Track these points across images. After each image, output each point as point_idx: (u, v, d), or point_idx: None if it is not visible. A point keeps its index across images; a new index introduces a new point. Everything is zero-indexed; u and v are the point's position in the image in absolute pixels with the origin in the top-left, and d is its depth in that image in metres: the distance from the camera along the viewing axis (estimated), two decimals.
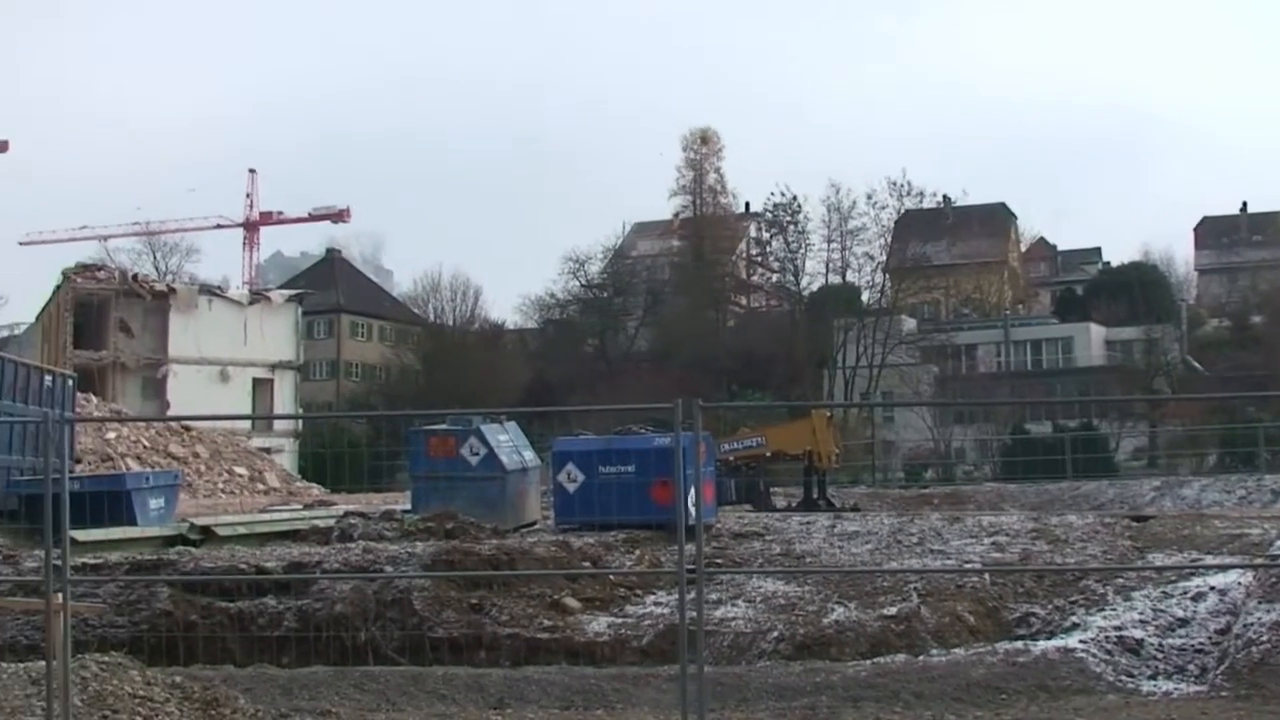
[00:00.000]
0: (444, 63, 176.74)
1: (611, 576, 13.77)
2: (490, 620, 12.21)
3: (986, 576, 13.31)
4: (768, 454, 27.18)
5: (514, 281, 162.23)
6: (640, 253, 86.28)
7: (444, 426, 20.30)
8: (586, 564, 14.62)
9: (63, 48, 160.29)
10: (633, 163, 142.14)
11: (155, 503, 21.13)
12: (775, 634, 11.99)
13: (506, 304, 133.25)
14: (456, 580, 12.48)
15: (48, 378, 26.65)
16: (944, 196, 76.40)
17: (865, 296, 73.52)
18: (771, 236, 77.38)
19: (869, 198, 69.70)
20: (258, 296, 68.40)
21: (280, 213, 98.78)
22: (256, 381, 64.43)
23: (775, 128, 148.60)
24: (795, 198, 72.10)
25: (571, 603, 12.83)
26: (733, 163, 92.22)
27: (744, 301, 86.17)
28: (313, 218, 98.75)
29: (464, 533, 16.05)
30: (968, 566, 14.15)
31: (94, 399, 45.17)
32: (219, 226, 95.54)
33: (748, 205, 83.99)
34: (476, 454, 19.62)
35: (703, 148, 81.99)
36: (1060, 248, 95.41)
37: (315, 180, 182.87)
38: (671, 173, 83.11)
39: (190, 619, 11.71)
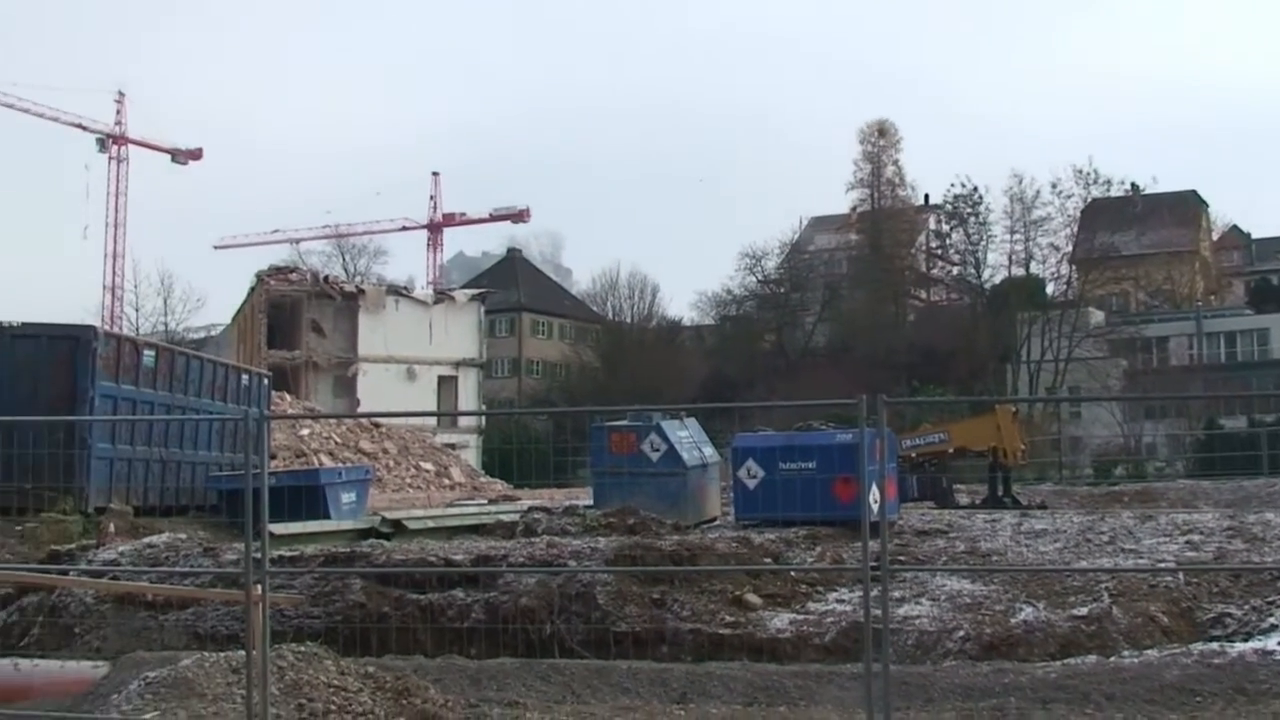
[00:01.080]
0: (621, 60, 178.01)
1: (793, 573, 13.68)
2: (672, 615, 12.23)
3: (1180, 576, 12.86)
4: (951, 450, 26.71)
5: (691, 278, 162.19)
6: (817, 247, 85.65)
7: (625, 423, 20.43)
8: (768, 560, 14.55)
9: (254, 58, 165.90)
10: (809, 157, 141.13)
11: (347, 497, 21.75)
12: (961, 633, 11.77)
13: (683, 301, 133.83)
14: (638, 575, 12.54)
15: (245, 377, 27.69)
16: (1132, 184, 73.75)
17: (1050, 288, 71.84)
18: (952, 229, 76.02)
19: (1053, 187, 68.16)
20: (442, 296, 69.80)
21: (463, 214, 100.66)
22: (441, 379, 65.75)
23: (954, 118, 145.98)
24: (976, 188, 70.87)
25: (753, 599, 12.79)
26: (911, 155, 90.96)
27: (924, 295, 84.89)
28: (494, 218, 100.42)
29: (645, 528, 16.12)
30: (1161, 566, 13.70)
31: (288, 397, 46.70)
32: (404, 228, 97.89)
33: (927, 197, 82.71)
34: (657, 450, 19.72)
35: (880, 140, 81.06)
36: (1254, 235, 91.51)
37: (496, 181, 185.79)
38: (848, 166, 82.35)
39: (382, 610, 11.98)
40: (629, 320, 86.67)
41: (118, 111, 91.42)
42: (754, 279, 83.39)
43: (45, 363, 20.86)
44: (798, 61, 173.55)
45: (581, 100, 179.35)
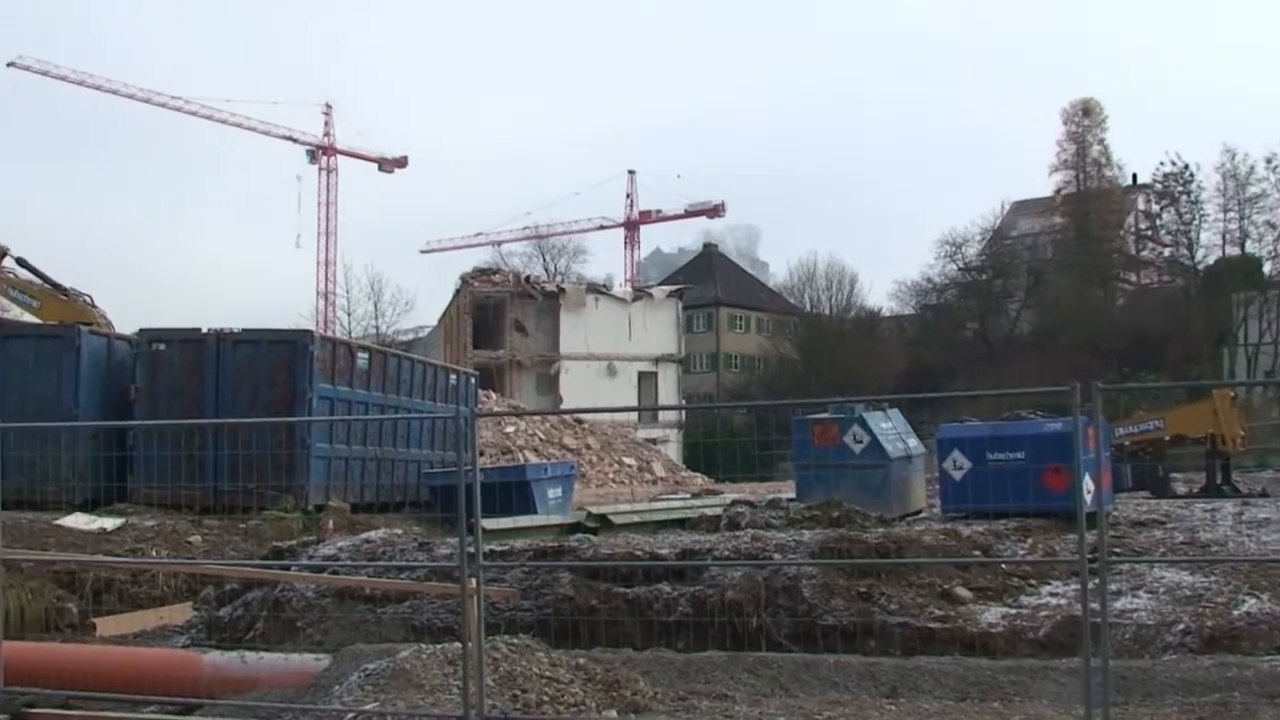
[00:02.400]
0: (809, 50, 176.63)
1: (1004, 566, 13.39)
2: (879, 609, 12.08)
3: None
4: (1166, 438, 25.91)
5: (890, 267, 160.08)
6: (1021, 232, 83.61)
7: (827, 415, 20.28)
8: (977, 552, 14.28)
9: (453, 65, 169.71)
10: (1010, 139, 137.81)
11: (554, 492, 22.07)
12: (1181, 626, 11.36)
13: (882, 290, 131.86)
14: (844, 568, 12.43)
15: (453, 376, 28.33)
16: None
17: (1268, 268, 68.82)
18: (1162, 208, 73.50)
19: (1268, 161, 65.32)
20: (641, 293, 70.30)
21: (658, 211, 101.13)
22: (641, 375, 66.24)
23: (1160, 93, 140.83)
24: (1186, 166, 68.46)
25: (962, 592, 12.56)
26: (1117, 133, 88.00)
27: (1133, 278, 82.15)
28: (689, 214, 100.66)
29: (850, 521, 15.98)
30: None
31: (493, 395, 47.57)
32: (602, 227, 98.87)
33: (1135, 177, 79.95)
34: (860, 442, 19.53)
35: (1084, 120, 78.70)
36: None
37: (691, 177, 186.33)
38: (1051, 148, 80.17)
39: (590, 604, 12.09)
40: (827, 311, 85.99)
41: (326, 123, 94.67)
42: (955, 266, 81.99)
43: (265, 367, 21.65)
44: (995, 41, 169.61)
45: (771, 93, 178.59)
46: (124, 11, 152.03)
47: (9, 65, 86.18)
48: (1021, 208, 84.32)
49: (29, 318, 34.08)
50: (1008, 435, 17.78)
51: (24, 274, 35.56)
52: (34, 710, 9.81)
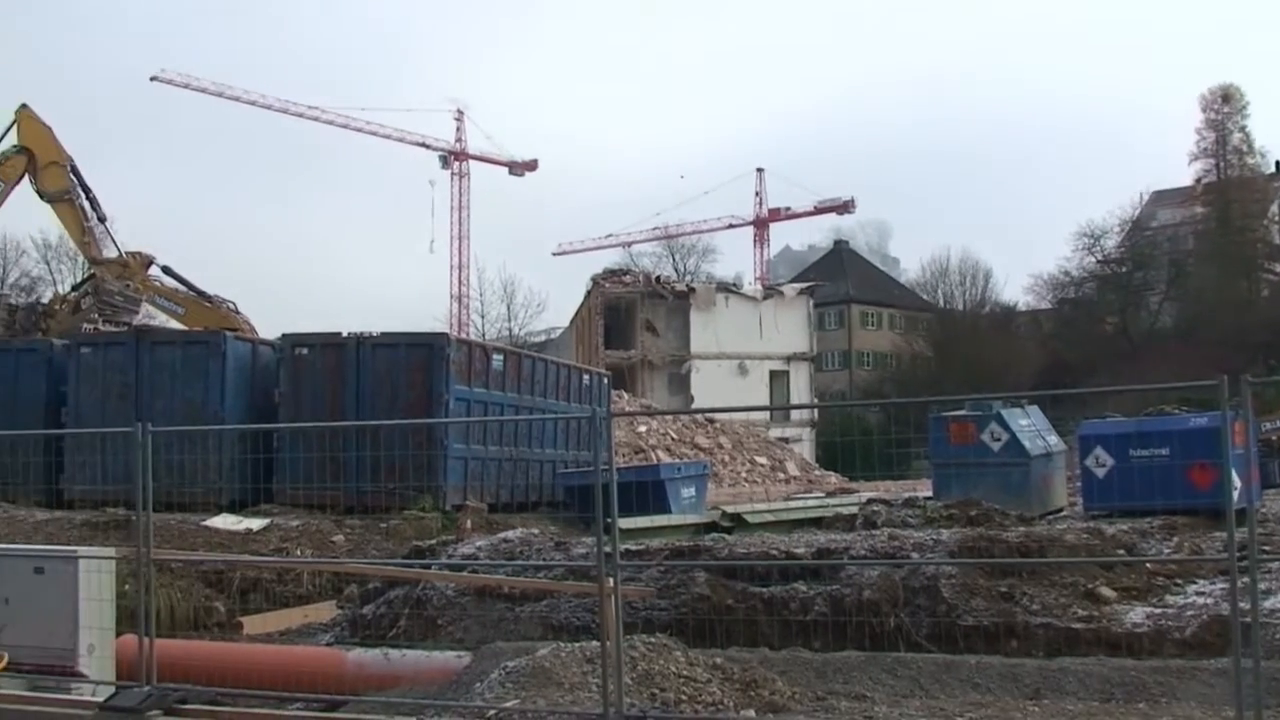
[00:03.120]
0: (935, 43, 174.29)
1: (1149, 564, 13.09)
2: (1021, 609, 11.89)
3: None
4: None
5: (1025, 261, 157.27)
6: (1160, 223, 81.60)
7: (963, 412, 20.04)
8: (1120, 551, 13.98)
9: (581, 69, 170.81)
10: (1148, 127, 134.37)
11: (687, 492, 22.09)
12: None
13: (1017, 285, 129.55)
14: (985, 568, 12.26)
15: (586, 377, 28.50)
16: None
17: None
18: None
19: None
20: (771, 291, 70.08)
21: (787, 209, 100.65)
22: (773, 373, 66.05)
23: None
24: None
25: (1106, 592, 12.30)
26: (1258, 120, 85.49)
27: (1278, 269, 79.61)
28: (818, 210, 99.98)
29: (989, 520, 15.77)
30: None
31: (625, 395, 47.78)
32: (731, 226, 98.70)
33: (1278, 165, 77.45)
34: (998, 439, 19.27)
35: (1224, 107, 76.53)
36: None
37: (820, 174, 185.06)
38: (1190, 136, 78.14)
39: (726, 603, 12.07)
40: (961, 307, 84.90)
41: (457, 129, 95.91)
42: (1093, 259, 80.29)
43: (403, 369, 22.01)
44: (1132, 26, 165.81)
45: (899, 87, 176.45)
46: (262, 26, 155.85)
47: (152, 79, 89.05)
48: (1161, 198, 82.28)
49: (175, 324, 35.14)
50: (1152, 431, 17.41)
51: (170, 282, 36.72)
52: (185, 706, 10.08)
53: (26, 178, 35.40)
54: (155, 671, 10.22)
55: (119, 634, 11.64)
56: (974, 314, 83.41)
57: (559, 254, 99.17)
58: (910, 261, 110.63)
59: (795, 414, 63.76)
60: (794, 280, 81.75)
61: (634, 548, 13.54)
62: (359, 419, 20.94)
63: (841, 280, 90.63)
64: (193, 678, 10.63)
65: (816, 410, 66.21)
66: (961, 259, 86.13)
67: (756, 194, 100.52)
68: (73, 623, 11.19)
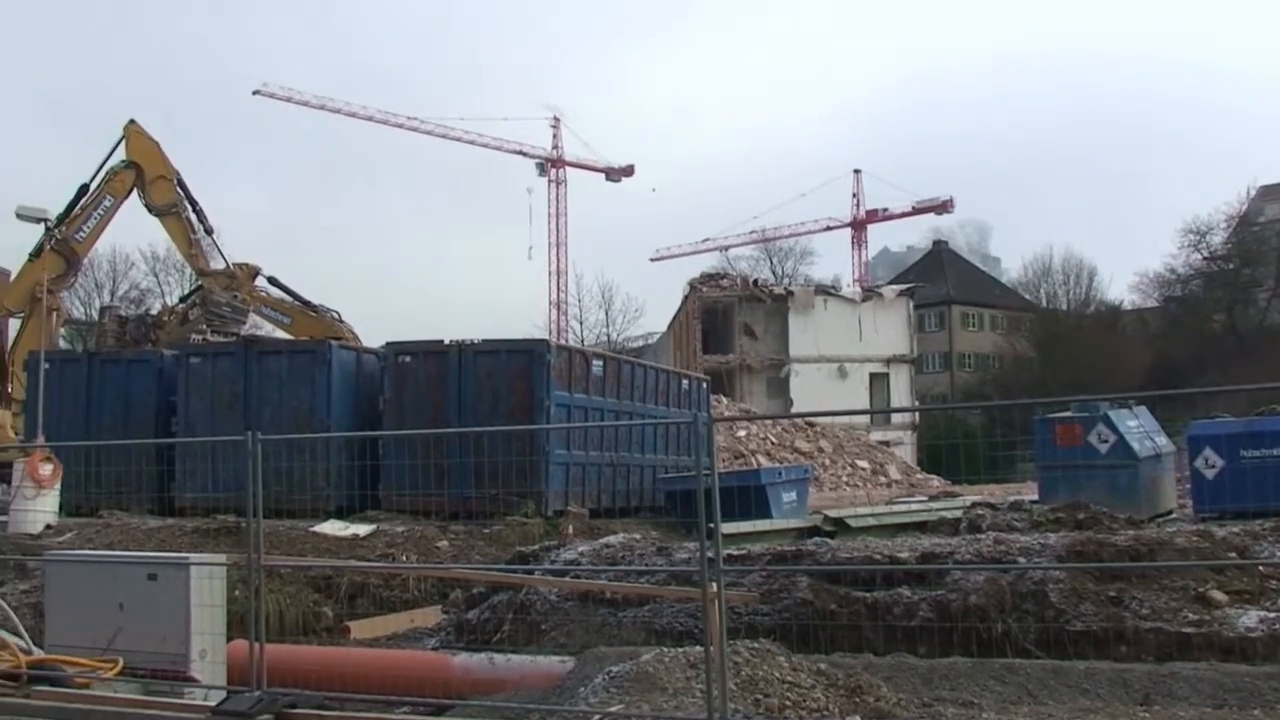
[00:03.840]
0: (1035, 32, 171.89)
1: (1261, 567, 12.79)
2: (1130, 614, 11.69)
3: None
4: None
5: (1129, 259, 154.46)
6: (1268, 218, 79.68)
7: (1069, 414, 19.75)
8: (1232, 554, 13.66)
9: (675, 73, 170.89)
10: (1255, 121, 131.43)
11: (788, 496, 21.99)
12: None
13: (1123, 283, 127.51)
14: (1093, 572, 12.06)
15: (685, 381, 28.54)
16: None
17: None
18: None
19: None
20: (870, 293, 69.63)
21: (885, 209, 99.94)
22: (873, 376, 65.60)
23: None
24: None
25: (1218, 595, 12.04)
26: None
27: None
28: (917, 211, 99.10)
29: (1096, 523, 15.50)
30: None
31: (724, 399, 47.72)
32: (828, 228, 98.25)
33: None
34: (1105, 441, 18.97)
35: None
36: None
37: (917, 174, 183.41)
38: None
39: (829, 608, 12.01)
40: (1064, 306, 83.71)
41: (554, 136, 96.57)
42: (1199, 256, 78.61)
43: (504, 375, 22.18)
44: (1229, 19, 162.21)
45: (998, 83, 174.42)
46: (361, 41, 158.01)
47: (254, 94, 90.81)
48: (1269, 192, 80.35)
49: (281, 334, 35.77)
50: (1264, 431, 17.06)
51: (275, 292, 37.39)
52: (295, 711, 10.24)
53: (135, 192, 36.26)
54: (265, 676, 10.39)
55: (229, 639, 11.86)
56: (1078, 314, 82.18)
57: (656, 259, 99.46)
58: (1011, 261, 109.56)
59: (896, 417, 63.24)
60: (893, 282, 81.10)
61: (736, 552, 13.50)
62: (461, 425, 21.15)
63: (941, 281, 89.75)
64: (301, 682, 10.80)
65: (918, 413, 65.61)
66: (1064, 257, 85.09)
67: (854, 195, 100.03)
68: (185, 628, 11.42)
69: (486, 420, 20.95)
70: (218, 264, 37.23)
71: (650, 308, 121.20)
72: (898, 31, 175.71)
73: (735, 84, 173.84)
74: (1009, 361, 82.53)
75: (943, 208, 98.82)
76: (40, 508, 21.01)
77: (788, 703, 8.66)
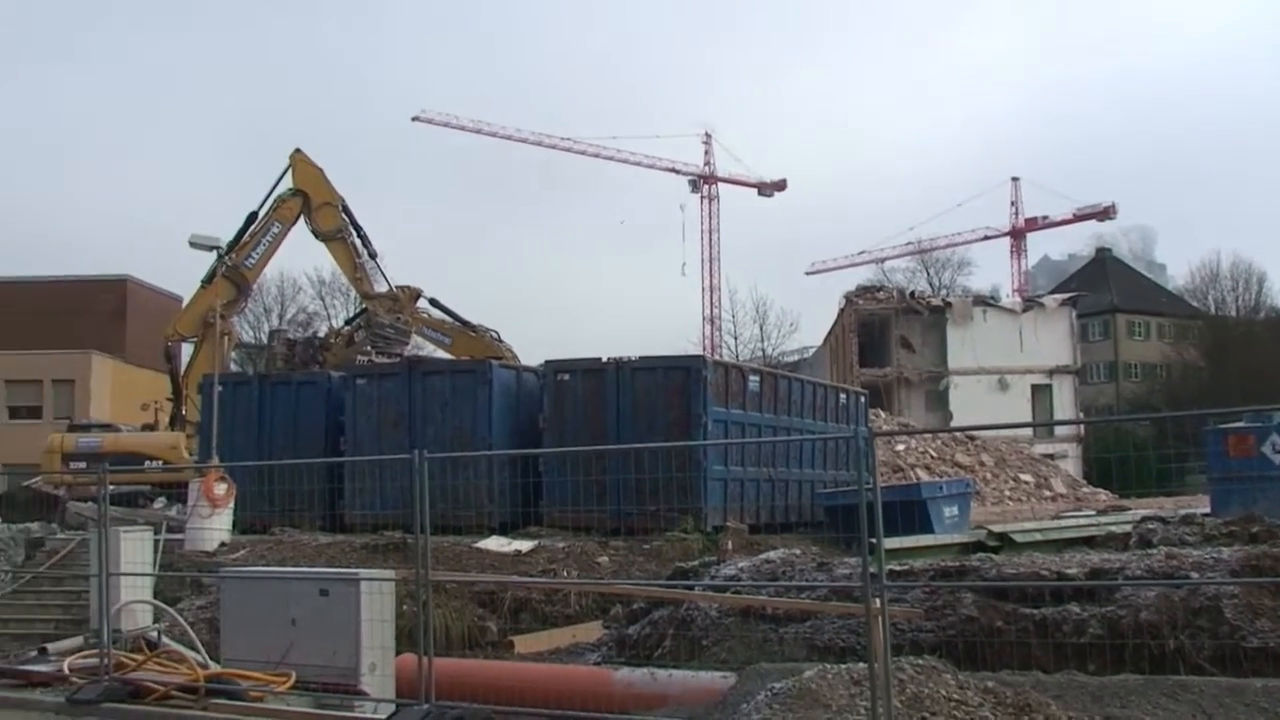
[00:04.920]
0: (1194, 31, 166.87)
1: None
2: None
3: None
4: None
5: None
6: None
7: (1242, 424, 19.17)
8: None
9: (828, 85, 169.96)
10: None
11: (949, 511, 21.74)
12: None
13: None
14: (1270, 587, 11.69)
15: (842, 395, 28.38)
16: None
17: None
18: None
19: None
20: (1030, 303, 68.40)
21: (1045, 217, 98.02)
22: (1035, 388, 64.39)
23: None
24: None
25: None
26: None
27: None
28: (1077, 218, 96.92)
29: (1271, 536, 14.99)
30: None
31: (881, 414, 47.34)
32: (986, 238, 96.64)
33: None
34: (1279, 452, 18.37)
35: None
36: None
37: (1077, 180, 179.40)
38: None
39: (995, 624, 11.84)
40: (1233, 313, 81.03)
41: (706, 152, 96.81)
42: None
43: (661, 392, 22.32)
44: None
45: (1158, 84, 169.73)
46: (514, 65, 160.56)
47: (413, 119, 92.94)
48: None
49: (442, 354, 36.50)
50: None
51: (437, 314, 38.15)
52: None
53: (302, 218, 37.35)
54: (434, 690, 10.62)
55: (398, 653, 12.14)
56: (1248, 320, 79.53)
57: (812, 273, 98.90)
58: (1178, 267, 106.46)
59: (1060, 430, 61.95)
60: (1054, 291, 79.54)
61: (898, 568, 13.37)
62: (619, 442, 21.32)
63: (1105, 289, 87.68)
64: (467, 696, 11.00)
65: (1083, 425, 64.15)
66: (1233, 263, 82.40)
67: (1012, 203, 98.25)
68: (355, 642, 11.72)
69: (644, 436, 21.08)
70: (381, 287, 38.10)
71: (805, 322, 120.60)
72: (1058, 34, 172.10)
73: (889, 94, 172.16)
74: (1177, 370, 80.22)
75: (1105, 214, 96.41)
76: (215, 526, 21.71)
77: None
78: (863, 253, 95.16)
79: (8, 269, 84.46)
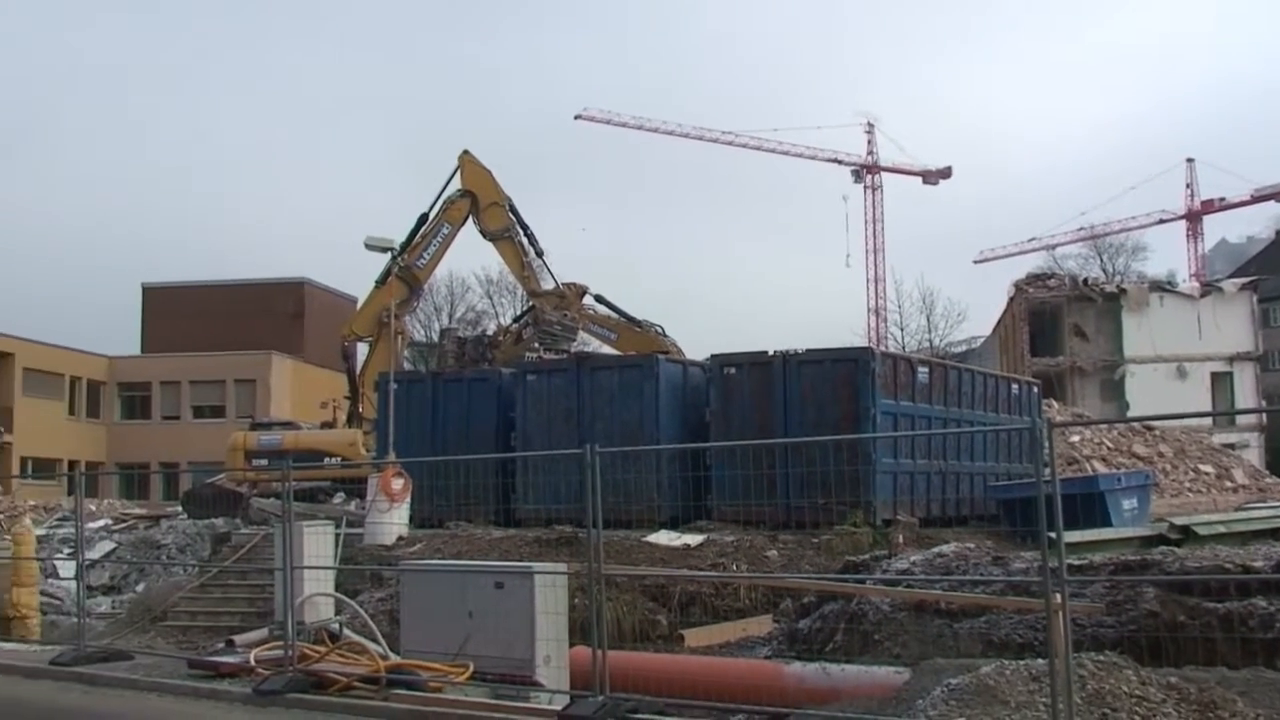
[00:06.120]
0: None
1: None
2: None
3: None
4: None
5: None
6: None
7: None
8: None
9: (993, 72, 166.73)
10: None
11: (1128, 503, 21.24)
12: None
13: None
14: None
15: (1014, 386, 27.86)
16: None
17: None
18: None
19: None
20: (1209, 288, 66.21)
21: (1221, 199, 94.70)
22: (1214, 375, 62.37)
23: None
24: None
25: None
26: None
27: None
28: (1256, 199, 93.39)
29: None
30: None
31: (1054, 404, 46.28)
32: (1160, 221, 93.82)
33: None
34: None
35: None
36: None
37: (1257, 160, 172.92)
38: None
39: (1178, 619, 11.53)
40: None
41: (868, 142, 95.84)
42: None
43: (828, 385, 22.19)
44: None
45: None
46: (674, 61, 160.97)
47: (575, 118, 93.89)
48: None
49: (608, 350, 36.81)
50: None
51: (602, 310, 38.47)
52: (636, 716, 10.59)
53: (470, 219, 38.01)
54: (608, 682, 10.76)
55: (570, 646, 12.33)
56: None
57: (980, 261, 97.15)
58: None
59: (1242, 418, 59.80)
60: (1234, 275, 76.83)
61: (1076, 562, 13.13)
62: (786, 435, 21.26)
63: None
64: (638, 688, 11.13)
65: (1265, 414, 61.90)
66: None
67: (1187, 186, 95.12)
68: (530, 634, 11.97)
69: (811, 430, 20.98)
70: (548, 284, 38.51)
71: (973, 312, 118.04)
72: (1227, 9, 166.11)
73: (1055, 77, 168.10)
74: None
75: None
76: (393, 520, 22.25)
77: (1136, 718, 8.43)
78: (1032, 239, 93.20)
79: (195, 274, 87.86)
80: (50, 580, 24.39)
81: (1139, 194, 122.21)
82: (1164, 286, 66.84)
